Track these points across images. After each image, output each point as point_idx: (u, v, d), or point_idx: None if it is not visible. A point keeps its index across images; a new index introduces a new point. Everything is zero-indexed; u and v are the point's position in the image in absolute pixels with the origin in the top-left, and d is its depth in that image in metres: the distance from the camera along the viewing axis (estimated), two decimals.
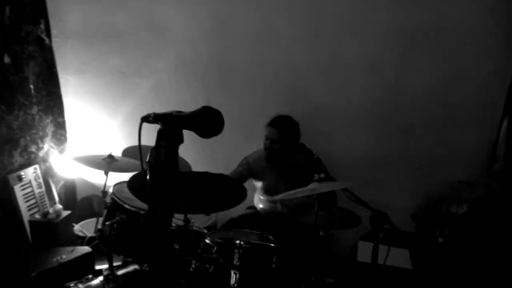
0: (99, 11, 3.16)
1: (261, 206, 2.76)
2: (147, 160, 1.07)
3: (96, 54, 3.25)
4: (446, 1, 2.69)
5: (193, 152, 3.15)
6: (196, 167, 2.89)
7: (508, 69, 2.62)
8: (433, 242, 2.41)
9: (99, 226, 2.16)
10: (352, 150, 3.01)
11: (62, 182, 3.52)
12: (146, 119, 1.18)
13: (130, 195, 2.20)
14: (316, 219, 1.92)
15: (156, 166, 1.03)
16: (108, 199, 2.16)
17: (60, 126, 3.48)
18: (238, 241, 1.81)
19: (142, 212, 2.03)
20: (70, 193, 3.64)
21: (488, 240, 2.27)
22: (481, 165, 2.75)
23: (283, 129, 2.53)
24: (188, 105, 3.29)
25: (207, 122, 1.02)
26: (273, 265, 1.85)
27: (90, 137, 3.48)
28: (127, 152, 2.87)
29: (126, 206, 2.08)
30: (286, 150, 2.57)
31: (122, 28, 3.15)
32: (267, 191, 2.71)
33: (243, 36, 2.98)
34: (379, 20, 2.78)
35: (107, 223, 2.02)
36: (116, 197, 2.12)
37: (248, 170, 2.68)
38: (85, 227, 3.23)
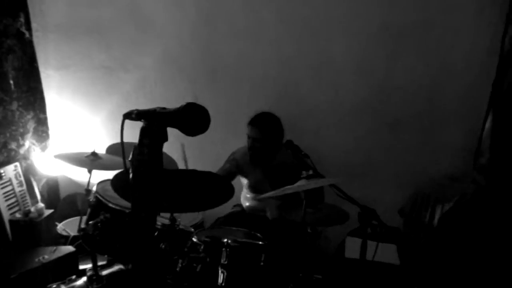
0: (81, 4, 3.07)
1: (247, 204, 2.73)
2: (129, 159, 1.02)
3: (79, 48, 3.16)
4: None
5: (180, 147, 3.13)
6: (183, 164, 2.86)
7: (494, 63, 2.63)
8: (420, 237, 2.43)
9: (83, 225, 2.10)
10: (340, 146, 3.00)
11: (44, 180, 3.43)
12: (128, 116, 1.13)
13: (114, 194, 2.15)
14: (304, 216, 1.90)
15: (139, 166, 0.98)
16: (91, 198, 2.10)
17: (41, 122, 3.38)
18: (225, 240, 1.77)
19: (126, 211, 1.99)
20: (53, 191, 3.55)
21: (475, 234, 2.29)
22: (468, 160, 2.77)
23: (264, 127, 2.49)
24: (174, 101, 3.22)
25: (192, 119, 0.97)
26: (261, 263, 1.83)
27: (73, 134, 3.39)
28: (111, 149, 2.80)
29: (110, 205, 2.03)
30: (269, 148, 2.53)
31: (106, 22, 3.07)
32: (253, 188, 2.68)
33: (230, 30, 2.92)
34: (367, 16, 2.77)
35: (90, 222, 1.97)
36: (100, 195, 2.06)
37: (236, 167, 2.64)
38: (68, 226, 3.15)
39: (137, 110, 1.09)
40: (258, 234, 2.11)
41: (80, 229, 2.15)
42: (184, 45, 3.02)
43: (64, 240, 3.05)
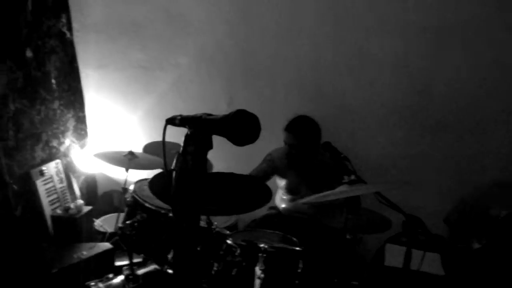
0: (119, 3, 3.12)
1: (283, 205, 2.68)
2: (172, 166, 0.98)
3: (116, 48, 3.21)
4: None
5: (214, 147, 3.12)
6: (216, 163, 2.82)
7: None
8: (468, 247, 2.28)
9: (120, 224, 2.11)
10: (378, 150, 2.88)
11: (83, 177, 3.52)
12: (171, 121, 1.08)
13: (151, 194, 2.16)
14: (346, 222, 1.82)
15: (183, 174, 0.94)
16: (128, 197, 2.11)
17: (81, 120, 3.47)
18: (262, 245, 1.73)
19: (162, 211, 1.98)
20: (91, 188, 3.63)
21: None
22: None
23: (299, 133, 2.43)
24: (209, 101, 3.24)
25: (241, 127, 0.90)
26: (299, 270, 1.77)
27: (111, 132, 3.45)
28: (148, 148, 2.83)
29: (147, 205, 2.03)
30: (306, 153, 2.47)
31: (142, 21, 3.10)
32: (290, 190, 2.62)
33: (266, 29, 2.87)
34: (408, 14, 2.63)
35: (127, 222, 1.97)
36: (137, 195, 2.07)
37: (272, 167, 2.59)
38: (105, 223, 3.22)
39: (180, 115, 1.04)
40: (294, 238, 2.05)
41: (117, 228, 2.17)
42: (220, 44, 3.00)
43: (101, 236, 3.12)
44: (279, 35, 2.86)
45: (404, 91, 2.75)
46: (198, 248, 1.77)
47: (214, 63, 3.04)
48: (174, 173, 0.97)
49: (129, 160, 2.39)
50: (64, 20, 3.20)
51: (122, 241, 2.05)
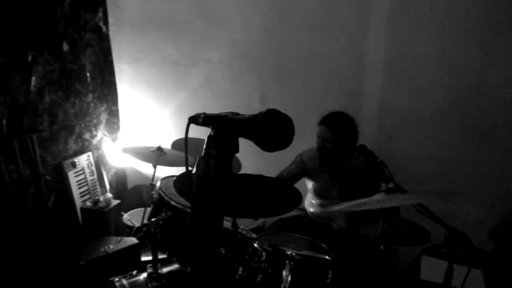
0: None
1: (311, 210, 2.56)
2: (193, 170, 0.89)
3: (150, 42, 3.20)
4: None
5: (242, 146, 3.05)
6: (245, 163, 2.75)
7: None
8: None
9: (145, 221, 2.08)
10: (418, 154, 2.69)
11: (113, 171, 3.55)
12: (194, 120, 0.98)
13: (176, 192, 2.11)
14: (382, 232, 1.69)
15: (204, 180, 0.84)
16: (155, 194, 2.07)
17: (113, 114, 3.50)
18: (289, 252, 1.63)
19: (188, 210, 1.93)
20: (120, 182, 3.66)
21: None
22: None
23: (335, 126, 2.29)
24: (241, 98, 3.16)
25: (272, 131, 0.77)
26: (328, 281, 1.66)
27: (142, 126, 3.46)
28: (176, 144, 2.80)
29: (172, 203, 1.98)
30: (340, 150, 2.33)
31: (176, 16, 3.07)
32: (319, 194, 2.50)
33: (302, 25, 2.75)
34: (459, 5, 2.43)
35: (153, 219, 1.93)
36: (163, 192, 2.02)
37: (302, 169, 2.48)
38: (133, 217, 3.23)
39: (204, 114, 0.94)
40: (323, 245, 1.94)
41: (143, 224, 2.14)
42: (253, 39, 2.92)
43: (129, 230, 3.13)
44: (315, 31, 2.73)
45: (452, 91, 2.53)
46: (223, 251, 1.70)
47: (247, 59, 2.96)
48: (194, 178, 0.87)
49: (157, 156, 2.36)
50: (100, 14, 3.22)
51: (147, 238, 2.01)
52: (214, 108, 3.12)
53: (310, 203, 2.58)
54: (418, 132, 2.67)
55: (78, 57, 3.05)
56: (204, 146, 0.90)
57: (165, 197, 2.01)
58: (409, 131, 2.68)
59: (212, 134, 0.86)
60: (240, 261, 1.72)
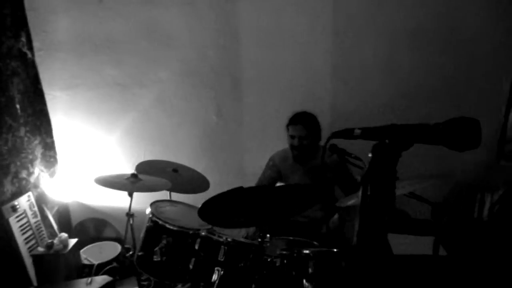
0: (88, 20, 2.91)
1: None
2: (359, 176, 0.95)
3: (87, 66, 2.99)
4: None
5: (205, 160, 3.05)
6: (209, 174, 2.73)
7: None
8: (467, 229, 2.46)
9: (139, 252, 1.98)
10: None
11: (56, 208, 3.21)
12: (342, 134, 1.05)
13: (170, 215, 2.06)
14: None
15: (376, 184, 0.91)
16: (147, 221, 1.98)
17: (49, 147, 3.17)
18: (307, 251, 1.73)
19: (190, 232, 1.90)
20: (64, 219, 3.33)
21: None
22: (490, 149, 2.83)
23: (308, 123, 2.46)
24: (197, 114, 3.15)
25: (463, 134, 0.89)
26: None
27: (85, 156, 3.20)
28: (140, 168, 2.68)
29: (169, 226, 1.93)
30: (313, 144, 2.51)
31: (116, 37, 2.93)
32: None
33: (255, 39, 2.87)
34: (394, 20, 2.77)
35: (156, 248, 1.85)
36: (157, 217, 1.96)
37: (277, 172, 2.59)
38: (88, 254, 2.98)
39: (359, 128, 1.02)
40: (315, 242, 2.08)
41: (137, 255, 2.02)
42: (204, 55, 2.93)
43: (88, 269, 2.88)
44: (267, 44, 2.87)
45: (392, 94, 2.89)
46: (241, 264, 1.72)
47: (199, 74, 2.96)
48: (361, 181, 0.94)
49: (132, 183, 2.25)
50: (24, 39, 2.91)
51: (145, 269, 1.92)
52: (168, 126, 3.10)
53: None
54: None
55: (6, 88, 2.72)
56: (371, 157, 0.96)
57: (160, 222, 1.95)
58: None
59: (379, 143, 0.94)
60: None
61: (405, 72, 2.85)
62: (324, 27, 2.80)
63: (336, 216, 2.45)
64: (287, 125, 2.50)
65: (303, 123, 2.45)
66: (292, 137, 2.48)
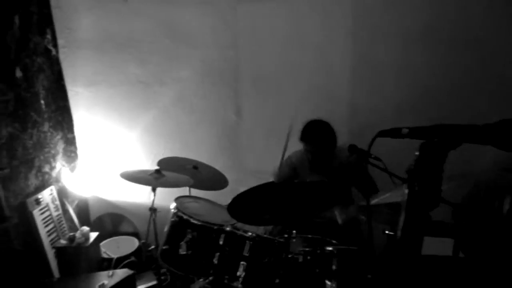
0: (111, 18, 2.98)
1: None
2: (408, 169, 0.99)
3: (110, 64, 3.06)
4: None
5: (223, 158, 3.09)
6: (227, 173, 2.77)
7: None
8: (486, 230, 2.48)
9: (164, 246, 2.03)
10: (392, 149, 3.00)
11: (75, 202, 3.28)
12: (390, 133, 1.07)
13: (194, 210, 2.11)
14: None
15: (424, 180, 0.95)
16: (172, 216, 2.03)
17: (70, 142, 3.24)
18: (331, 248, 1.77)
19: (215, 227, 1.94)
20: (83, 213, 3.40)
21: None
22: None
23: (318, 139, 2.45)
24: (216, 113, 3.19)
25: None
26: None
27: (105, 151, 3.27)
28: (161, 164, 2.73)
29: (194, 221, 1.98)
30: (329, 153, 2.54)
31: (139, 36, 2.99)
32: None
33: (274, 40, 2.89)
34: (406, 21, 2.77)
35: (182, 242, 1.90)
36: (183, 213, 2.01)
37: (294, 170, 2.62)
38: (107, 248, 3.04)
39: (408, 127, 1.04)
40: (334, 241, 2.12)
41: (160, 250, 2.07)
42: (225, 55, 2.97)
43: (107, 263, 2.94)
44: (286, 45, 2.89)
45: (407, 93, 2.91)
46: (266, 260, 1.77)
47: (219, 74, 3.00)
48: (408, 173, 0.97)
49: (155, 178, 2.30)
50: (49, 36, 2.98)
51: (169, 263, 1.97)
52: (188, 124, 3.14)
53: None
54: (382, 127, 2.98)
55: (32, 84, 2.79)
56: (419, 153, 0.99)
57: (184, 216, 2.00)
58: (375, 128, 2.99)
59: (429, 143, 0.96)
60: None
61: (421, 73, 2.85)
62: (342, 30, 2.82)
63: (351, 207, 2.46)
64: (299, 139, 2.49)
65: (313, 141, 2.43)
66: (306, 150, 2.50)
